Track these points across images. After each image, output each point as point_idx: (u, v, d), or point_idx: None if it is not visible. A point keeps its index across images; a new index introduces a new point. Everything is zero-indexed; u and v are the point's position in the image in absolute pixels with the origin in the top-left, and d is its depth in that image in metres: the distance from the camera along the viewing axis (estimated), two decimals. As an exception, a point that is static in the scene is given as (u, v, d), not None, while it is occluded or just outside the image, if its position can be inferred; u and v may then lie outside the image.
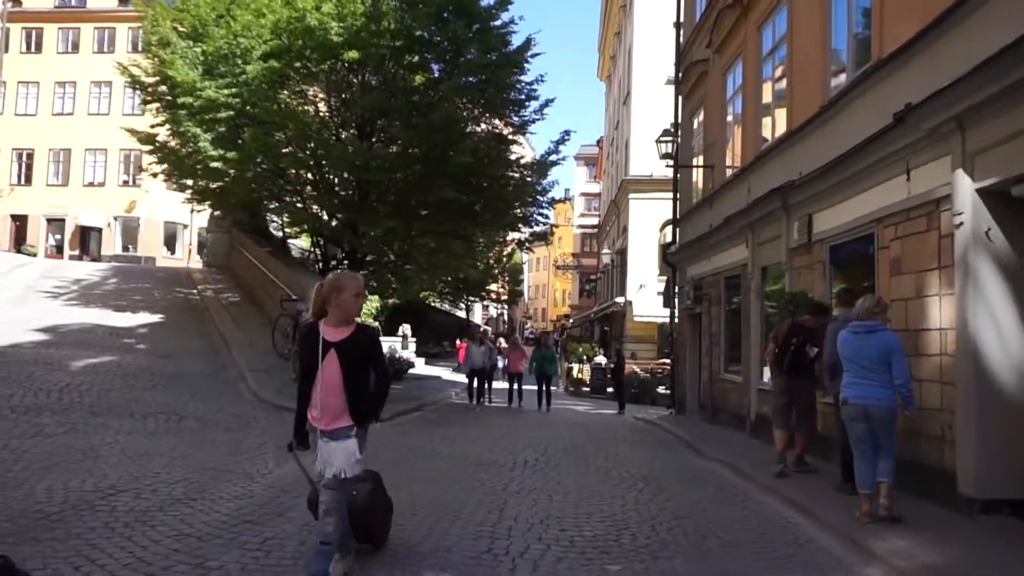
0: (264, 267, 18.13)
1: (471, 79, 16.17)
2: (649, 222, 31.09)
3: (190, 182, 17.62)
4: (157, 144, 17.23)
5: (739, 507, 6.98)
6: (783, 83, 11.35)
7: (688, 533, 5.75)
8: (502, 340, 27.77)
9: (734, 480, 8.56)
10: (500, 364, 24.41)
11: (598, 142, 58.85)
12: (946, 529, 5.90)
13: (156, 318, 16.84)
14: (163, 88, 16.37)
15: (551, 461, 8.87)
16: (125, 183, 40.60)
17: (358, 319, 4.24)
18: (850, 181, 8.51)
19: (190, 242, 41.78)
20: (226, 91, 14.79)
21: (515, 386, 17.78)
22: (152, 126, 17.51)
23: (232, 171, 15.97)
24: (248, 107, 15.02)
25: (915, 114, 6.67)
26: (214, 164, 14.88)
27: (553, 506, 6.35)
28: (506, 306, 62.23)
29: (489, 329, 54.80)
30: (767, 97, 12.29)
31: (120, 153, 39.59)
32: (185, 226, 41.09)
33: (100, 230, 40.85)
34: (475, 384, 17.07)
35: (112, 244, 40.87)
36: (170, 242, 42.27)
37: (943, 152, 6.58)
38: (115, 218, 40.82)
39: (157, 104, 17.31)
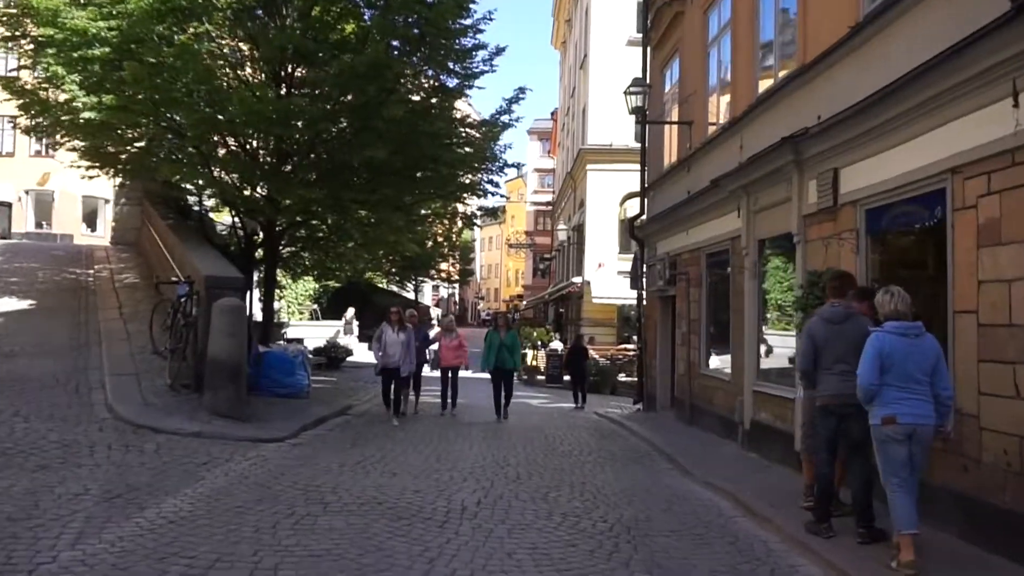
0: (163, 243, 15.31)
1: (406, 18, 13.59)
2: (609, 195, 28.91)
3: (67, 139, 14.59)
4: (21, 90, 14.18)
5: (771, 586, 4.76)
6: (790, 7, 9.09)
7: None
8: (436, 322, 24.21)
9: (745, 524, 6.34)
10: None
11: (552, 114, 56.55)
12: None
13: (23, 304, 13.92)
14: (27, 21, 13.35)
15: (499, 503, 6.48)
16: (38, 153, 36.80)
17: None
18: (903, 119, 6.25)
19: (113, 218, 38.28)
20: (101, 23, 11.95)
21: (448, 384, 13.27)
22: (13, 69, 14.43)
23: (118, 127, 13.19)
24: (132, 45, 12.22)
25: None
26: (86, 114, 12.03)
27: (498, 617, 3.99)
28: (457, 286, 59.79)
29: (438, 310, 51.41)
30: (766, 30, 10.01)
31: (32, 120, 35.68)
32: (107, 201, 37.45)
33: (10, 205, 37.26)
34: (392, 387, 12.16)
35: (24, 220, 37.32)
36: (90, 218, 38.77)
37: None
38: (27, 192, 37.27)
39: (16, 42, 14.24)
